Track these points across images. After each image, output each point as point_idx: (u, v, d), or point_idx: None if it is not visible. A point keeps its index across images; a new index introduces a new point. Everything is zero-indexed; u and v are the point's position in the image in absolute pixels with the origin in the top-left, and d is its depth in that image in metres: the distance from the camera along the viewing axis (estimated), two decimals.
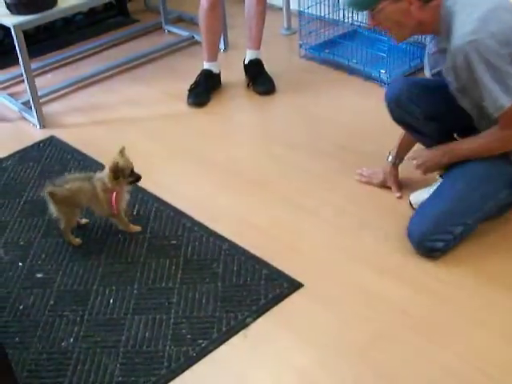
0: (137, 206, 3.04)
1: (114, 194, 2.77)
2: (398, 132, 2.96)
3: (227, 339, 2.37)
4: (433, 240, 2.59)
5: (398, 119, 2.82)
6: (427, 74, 2.76)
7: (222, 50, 4.43)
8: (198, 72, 3.96)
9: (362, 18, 4.26)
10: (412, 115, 2.74)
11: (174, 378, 2.25)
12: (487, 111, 2.42)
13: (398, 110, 2.78)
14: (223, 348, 2.34)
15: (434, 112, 2.70)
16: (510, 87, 2.34)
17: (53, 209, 2.82)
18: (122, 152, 2.75)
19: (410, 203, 2.89)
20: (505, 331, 2.33)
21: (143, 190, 3.13)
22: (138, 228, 2.90)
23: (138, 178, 2.80)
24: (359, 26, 4.30)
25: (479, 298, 2.46)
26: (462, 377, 2.17)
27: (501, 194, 2.59)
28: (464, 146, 2.65)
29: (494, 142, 2.54)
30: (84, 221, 2.97)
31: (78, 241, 2.86)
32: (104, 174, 2.76)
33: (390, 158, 2.99)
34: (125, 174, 2.74)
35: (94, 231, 2.92)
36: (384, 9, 2.42)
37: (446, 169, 2.73)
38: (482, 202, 2.58)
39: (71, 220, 2.85)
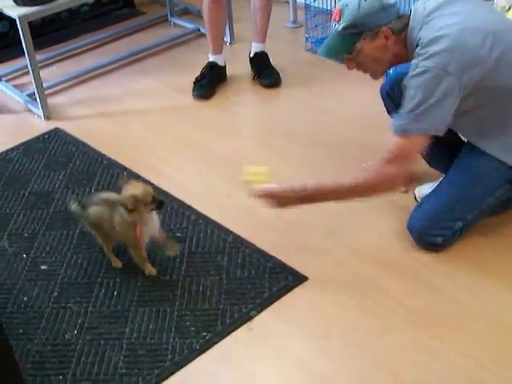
0: None
1: (138, 228, 2.50)
2: None
3: (231, 332, 2.37)
4: (432, 235, 2.59)
5: (391, 112, 2.80)
6: None
7: (227, 43, 4.43)
8: (204, 65, 3.95)
9: None
10: None
11: (177, 370, 2.25)
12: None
13: (391, 101, 2.79)
14: (227, 340, 2.34)
15: None
16: (421, 120, 2.33)
17: (87, 227, 2.69)
18: (128, 182, 2.53)
19: (415, 197, 2.89)
20: (505, 325, 2.32)
21: (147, 183, 3.12)
22: (153, 271, 2.62)
23: (159, 204, 2.52)
24: None
25: (479, 292, 2.46)
26: (463, 370, 2.16)
27: (499, 190, 2.56)
28: (332, 190, 2.52)
29: (373, 181, 2.44)
30: None
31: (119, 264, 2.68)
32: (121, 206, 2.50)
33: None
34: (145, 204, 2.47)
35: None
36: (362, 49, 2.43)
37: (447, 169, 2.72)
38: (481, 198, 2.57)
39: (106, 239, 2.65)
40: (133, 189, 2.48)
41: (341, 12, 2.42)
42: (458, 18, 2.34)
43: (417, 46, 2.36)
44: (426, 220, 2.59)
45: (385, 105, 2.86)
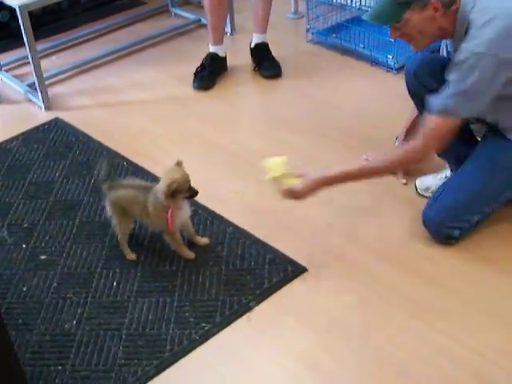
0: None
1: (170, 212, 2.52)
2: (404, 117, 2.95)
3: (230, 323, 2.37)
4: (450, 227, 2.57)
5: (413, 91, 2.77)
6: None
7: (228, 34, 4.42)
8: (204, 55, 3.94)
9: (369, 2, 4.24)
10: (428, 89, 2.68)
11: (176, 360, 2.25)
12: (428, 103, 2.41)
13: (416, 81, 2.72)
14: (226, 331, 2.34)
15: None
16: (467, 103, 2.33)
17: (108, 208, 2.67)
18: (178, 164, 2.54)
19: (416, 188, 2.88)
20: (507, 318, 2.32)
21: (148, 173, 3.12)
22: (191, 255, 2.64)
23: (194, 193, 2.55)
24: (367, 10, 4.25)
25: (482, 286, 2.45)
26: (469, 365, 2.16)
27: None
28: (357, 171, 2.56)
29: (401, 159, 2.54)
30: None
31: (133, 256, 2.67)
32: (159, 188, 2.51)
33: (397, 143, 2.97)
34: (182, 191, 2.51)
35: (98, 213, 2.91)
36: (410, 19, 2.36)
37: (459, 164, 2.70)
38: (500, 191, 2.57)
39: (124, 226, 2.67)
40: (172, 174, 2.50)
41: None
42: None
43: (467, 26, 2.32)
44: (444, 213, 2.56)
45: (408, 84, 2.79)
